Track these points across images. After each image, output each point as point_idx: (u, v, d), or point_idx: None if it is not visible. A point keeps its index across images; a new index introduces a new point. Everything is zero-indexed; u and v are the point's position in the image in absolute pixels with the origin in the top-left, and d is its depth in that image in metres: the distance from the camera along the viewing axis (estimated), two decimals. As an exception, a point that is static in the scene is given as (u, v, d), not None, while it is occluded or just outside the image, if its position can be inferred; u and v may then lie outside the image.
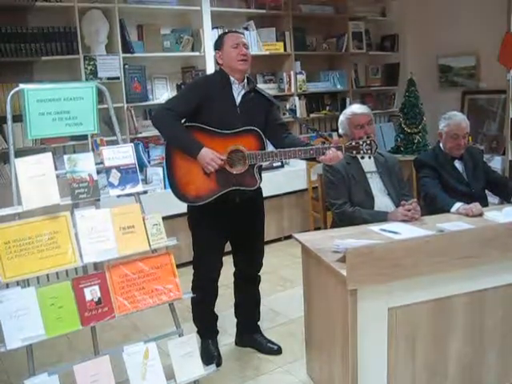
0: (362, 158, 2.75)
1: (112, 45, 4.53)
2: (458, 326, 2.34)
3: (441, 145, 3.42)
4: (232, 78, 2.78)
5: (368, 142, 2.70)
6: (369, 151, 2.70)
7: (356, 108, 3.16)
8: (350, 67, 6.19)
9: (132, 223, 2.26)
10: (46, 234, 2.11)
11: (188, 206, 2.90)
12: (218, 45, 2.83)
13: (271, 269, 4.44)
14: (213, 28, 4.94)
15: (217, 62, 2.86)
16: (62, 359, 3.10)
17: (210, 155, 2.63)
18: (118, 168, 2.29)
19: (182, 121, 2.76)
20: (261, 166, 2.81)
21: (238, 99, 2.79)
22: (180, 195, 2.77)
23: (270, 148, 2.80)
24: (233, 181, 2.71)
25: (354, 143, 2.71)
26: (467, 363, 2.40)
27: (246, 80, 2.83)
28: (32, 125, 2.22)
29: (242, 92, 2.80)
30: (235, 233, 2.95)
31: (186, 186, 2.75)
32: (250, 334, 3.19)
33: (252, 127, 2.70)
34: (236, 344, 3.23)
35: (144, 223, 2.28)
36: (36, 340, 2.03)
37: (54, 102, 2.26)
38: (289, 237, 4.95)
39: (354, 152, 2.71)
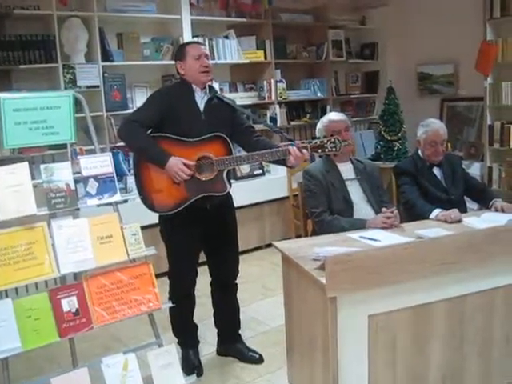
0: (328, 156, 2.75)
1: (91, 53, 4.50)
2: (438, 333, 2.35)
3: (419, 152, 3.44)
4: (194, 86, 2.81)
5: (332, 140, 2.71)
6: (333, 149, 2.71)
7: (333, 115, 3.21)
8: (330, 75, 6.22)
9: (110, 233, 2.25)
10: (22, 245, 2.09)
11: (160, 217, 2.88)
12: (180, 56, 2.84)
13: (252, 277, 4.44)
14: (193, 36, 4.93)
15: (177, 72, 2.87)
16: (41, 372, 3.04)
17: (179, 165, 2.63)
18: (95, 177, 2.28)
19: (149, 131, 2.75)
20: (229, 171, 2.81)
21: (202, 106, 2.81)
22: (151, 206, 2.75)
23: (242, 153, 2.83)
24: (202, 187, 2.70)
25: (318, 142, 2.72)
26: (448, 369, 2.40)
27: (207, 87, 2.85)
28: (8, 134, 2.21)
29: (205, 98, 2.83)
30: (208, 241, 2.93)
31: (156, 196, 2.73)
32: (232, 343, 3.16)
33: (218, 133, 2.71)
34: (217, 353, 3.21)
35: (122, 233, 2.27)
36: (12, 353, 2.00)
37: (31, 112, 2.25)
38: (270, 245, 4.92)
39: (320, 151, 2.72)
